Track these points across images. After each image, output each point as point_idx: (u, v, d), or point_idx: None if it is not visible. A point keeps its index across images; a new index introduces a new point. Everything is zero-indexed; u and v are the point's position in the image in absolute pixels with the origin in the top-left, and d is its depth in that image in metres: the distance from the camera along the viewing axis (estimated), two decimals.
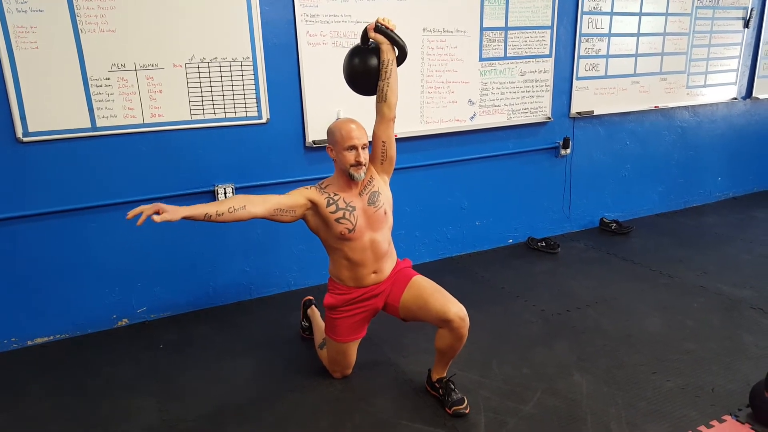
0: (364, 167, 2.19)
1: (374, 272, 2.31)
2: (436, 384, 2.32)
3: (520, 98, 3.80)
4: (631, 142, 4.40)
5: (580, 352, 2.68)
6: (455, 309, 2.15)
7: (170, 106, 2.89)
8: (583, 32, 3.89)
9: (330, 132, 2.23)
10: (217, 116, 3.02)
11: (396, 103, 2.25)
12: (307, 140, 3.25)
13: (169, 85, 2.85)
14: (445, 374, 2.33)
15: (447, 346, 2.22)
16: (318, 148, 3.29)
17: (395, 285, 2.33)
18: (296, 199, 2.18)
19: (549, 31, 3.76)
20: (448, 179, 3.79)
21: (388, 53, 2.19)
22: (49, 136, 2.71)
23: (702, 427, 2.12)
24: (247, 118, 3.09)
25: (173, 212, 1.85)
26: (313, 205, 2.21)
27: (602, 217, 4.42)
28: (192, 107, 2.94)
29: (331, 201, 2.21)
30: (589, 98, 4.06)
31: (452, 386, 2.27)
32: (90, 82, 2.71)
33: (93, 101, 2.74)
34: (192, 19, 2.83)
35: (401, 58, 2.25)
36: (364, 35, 2.22)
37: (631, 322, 2.96)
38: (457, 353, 2.28)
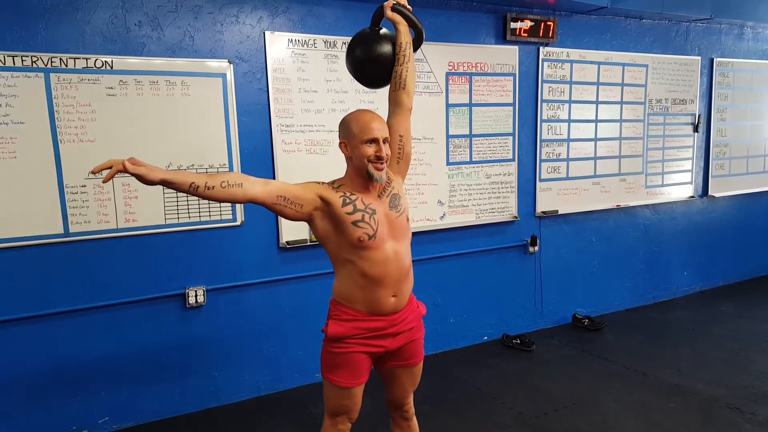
0: (384, 166, 1.87)
1: (394, 295, 1.92)
2: None
3: (487, 199, 3.96)
4: (597, 239, 4.55)
5: None
6: (406, 402, 2.14)
7: (145, 211, 2.94)
8: (543, 138, 4.14)
9: (344, 124, 1.91)
10: (192, 220, 3.07)
11: (414, 90, 2.03)
12: (280, 241, 3.30)
13: (145, 191, 2.92)
14: None
15: None
16: (291, 248, 3.33)
17: (406, 351, 2.02)
18: (304, 192, 1.81)
19: (511, 137, 4.00)
20: (421, 277, 3.78)
21: (406, 35, 1.99)
22: (19, 243, 2.71)
23: None
24: (221, 221, 3.14)
25: (150, 171, 1.58)
26: (324, 204, 1.84)
27: (575, 312, 4.46)
28: (167, 212, 3.00)
29: (348, 200, 1.85)
30: (553, 198, 4.24)
31: None
32: (66, 190, 2.77)
33: (67, 208, 2.78)
34: (171, 129, 2.95)
35: (417, 43, 2.05)
36: (377, 16, 2.03)
37: (608, 424, 2.91)
38: None
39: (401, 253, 1.94)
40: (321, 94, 3.29)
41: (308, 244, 3.35)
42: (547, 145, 4.16)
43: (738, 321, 4.42)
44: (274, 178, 3.22)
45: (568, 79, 4.19)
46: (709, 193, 5.10)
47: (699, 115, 4.92)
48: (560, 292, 4.43)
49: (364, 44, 2.01)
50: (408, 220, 2.00)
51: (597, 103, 4.34)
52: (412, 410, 2.20)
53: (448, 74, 3.70)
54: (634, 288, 4.82)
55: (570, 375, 3.53)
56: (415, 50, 2.06)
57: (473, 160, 3.87)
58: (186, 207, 3.03)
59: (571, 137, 4.26)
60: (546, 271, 4.33)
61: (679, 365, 3.62)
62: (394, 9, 2.00)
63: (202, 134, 3.03)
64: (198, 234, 3.11)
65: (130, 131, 2.87)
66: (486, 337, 4.15)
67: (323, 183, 1.90)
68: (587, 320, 4.34)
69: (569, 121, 4.24)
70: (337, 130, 1.96)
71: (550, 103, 4.13)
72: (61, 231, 2.78)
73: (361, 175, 1.87)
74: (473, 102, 3.81)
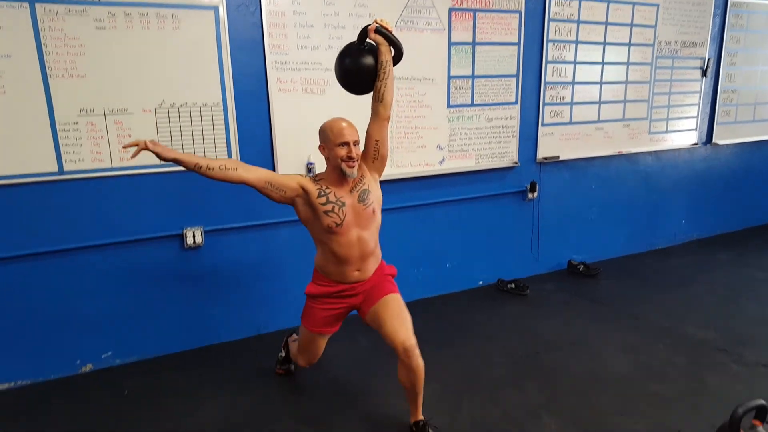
0: (356, 164, 2.23)
1: (357, 270, 2.36)
2: (413, 428, 2.34)
3: (487, 143, 3.90)
4: (597, 186, 4.52)
5: (549, 394, 2.69)
6: (401, 338, 2.19)
7: None
8: (547, 80, 4.03)
9: (322, 131, 2.27)
10: None
11: (392, 102, 2.34)
12: None
13: (138, 130, 2.87)
14: (419, 417, 2.35)
15: (404, 378, 2.25)
16: None
17: (373, 292, 2.38)
18: (288, 180, 2.22)
19: (515, 79, 3.89)
20: (418, 222, 3.83)
21: (387, 54, 2.27)
22: (14, 180, 2.69)
23: None
24: None
25: (165, 150, 2.05)
26: (305, 193, 2.24)
27: (570, 259, 4.49)
28: None
29: (323, 193, 2.25)
30: (555, 144, 4.18)
31: (429, 430, 2.31)
32: (58, 127, 2.72)
33: (61, 145, 2.74)
34: (163, 65, 2.87)
35: (397, 59, 2.35)
36: (362, 36, 2.29)
37: (598, 363, 2.98)
38: (419, 389, 2.28)
39: (365, 238, 2.32)
40: (317, 30, 3.17)
41: None
42: (551, 88, 4.06)
43: (732, 269, 4.46)
44: (269, 120, 3.17)
45: (576, 18, 4.04)
46: (713, 141, 5.02)
47: (708, 59, 4.78)
48: (557, 238, 4.44)
49: (350, 58, 2.29)
50: (374, 212, 2.34)
51: (604, 44, 4.20)
52: (413, 348, 2.19)
53: (451, 10, 3.55)
54: (631, 235, 4.83)
55: (563, 318, 3.60)
56: (395, 65, 2.35)
57: (475, 102, 3.78)
58: (181, 147, 2.99)
59: (576, 80, 4.15)
60: (544, 218, 4.33)
61: (671, 310, 3.67)
62: (377, 31, 2.25)
63: (194, 71, 2.95)
64: (194, 174, 3.06)
65: (121, 67, 2.79)
66: (481, 282, 4.20)
67: (306, 175, 2.31)
68: (582, 266, 4.37)
69: (575, 63, 4.12)
70: (318, 134, 2.31)
71: (556, 44, 4.00)
72: (56, 169, 2.76)
73: (336, 172, 2.24)
74: (476, 41, 3.69)
